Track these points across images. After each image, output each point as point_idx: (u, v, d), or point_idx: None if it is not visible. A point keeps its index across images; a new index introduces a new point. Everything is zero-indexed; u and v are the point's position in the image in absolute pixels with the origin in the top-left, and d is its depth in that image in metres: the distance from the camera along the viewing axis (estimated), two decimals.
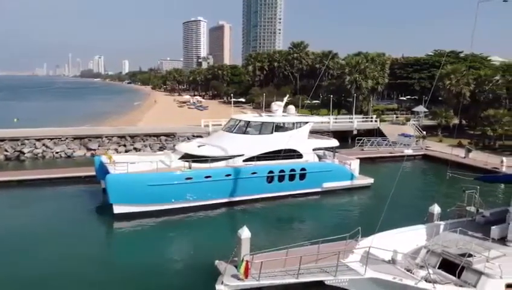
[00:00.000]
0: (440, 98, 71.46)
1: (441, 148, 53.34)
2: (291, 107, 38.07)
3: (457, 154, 46.57)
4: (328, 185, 34.42)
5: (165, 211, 28.08)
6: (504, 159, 41.56)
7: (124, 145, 50.64)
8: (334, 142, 37.59)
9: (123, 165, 28.06)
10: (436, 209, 21.69)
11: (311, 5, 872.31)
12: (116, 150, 49.48)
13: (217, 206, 29.98)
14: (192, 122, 65.10)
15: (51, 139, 48.76)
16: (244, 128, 33.00)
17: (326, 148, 37.18)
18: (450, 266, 16.63)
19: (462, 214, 22.38)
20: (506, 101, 61.61)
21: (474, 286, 15.50)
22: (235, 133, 33.01)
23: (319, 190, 34.26)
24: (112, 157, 30.27)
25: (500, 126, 52.32)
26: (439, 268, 16.93)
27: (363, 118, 70.83)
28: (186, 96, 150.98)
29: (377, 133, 62.10)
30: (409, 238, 19.07)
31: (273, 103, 36.89)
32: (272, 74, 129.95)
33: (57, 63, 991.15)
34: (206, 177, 29.27)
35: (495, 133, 53.20)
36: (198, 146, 32.06)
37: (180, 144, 34.49)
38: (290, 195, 32.68)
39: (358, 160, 38.01)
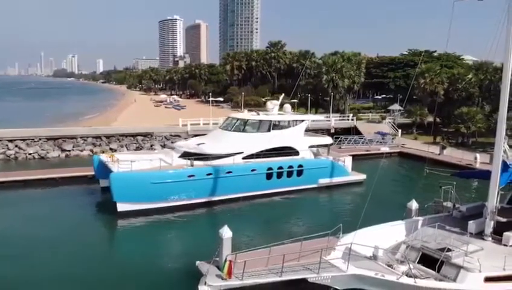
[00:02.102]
0: (415, 97, 72.76)
1: (416, 145, 54.38)
2: (287, 106, 38.66)
3: (432, 151, 47.53)
4: (324, 181, 35.37)
5: (161, 209, 28.28)
6: (478, 155, 42.69)
7: (100, 146, 49.69)
8: (328, 140, 38.76)
9: (126, 163, 28.32)
10: (414, 205, 22.08)
11: (288, 5, 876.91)
12: (91, 150, 48.61)
13: (216, 203, 30.34)
14: (170, 122, 64.48)
15: (24, 140, 47.39)
16: (242, 126, 33.70)
17: (321, 145, 38.03)
18: (430, 261, 16.88)
19: (439, 209, 22.83)
20: (479, 99, 63.06)
21: (454, 280, 15.77)
22: (233, 131, 33.57)
23: (315, 186, 35.06)
24: (113, 156, 30.63)
25: (473, 123, 53.61)
26: (418, 263, 17.17)
27: (340, 116, 71.60)
28: (162, 96, 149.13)
29: (354, 131, 62.83)
30: (388, 234, 19.33)
31: (268, 102, 37.78)
32: (250, 73, 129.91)
33: (29, 62, 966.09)
34: (208, 174, 29.69)
35: (468, 131, 54.49)
36: (198, 144, 32.33)
37: (179, 142, 34.70)
38: (287, 191, 33.36)
39: (351, 157, 38.87)
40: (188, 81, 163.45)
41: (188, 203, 29.31)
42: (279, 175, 32.93)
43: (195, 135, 54.15)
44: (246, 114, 37.73)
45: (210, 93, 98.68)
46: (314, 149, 37.23)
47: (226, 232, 17.41)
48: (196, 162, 30.12)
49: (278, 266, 15.65)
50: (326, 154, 37.75)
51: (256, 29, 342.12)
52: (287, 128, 35.30)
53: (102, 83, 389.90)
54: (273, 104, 36.67)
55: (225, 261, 15.84)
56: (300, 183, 34.07)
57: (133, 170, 28.10)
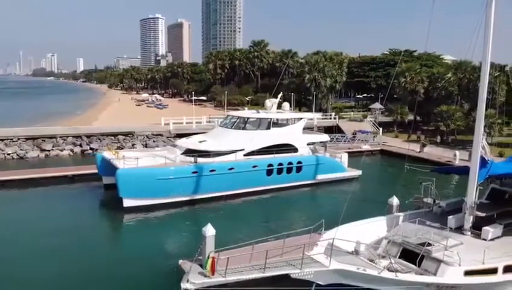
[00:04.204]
0: (395, 96, 73.67)
1: (397, 143, 55.06)
2: (286, 104, 39.44)
3: (412, 149, 48.11)
4: (322, 177, 36.17)
5: (166, 204, 28.90)
6: (457, 152, 43.43)
7: (80, 145, 49.01)
8: (325, 137, 40.03)
9: (132, 160, 29.13)
10: (395, 201, 22.43)
11: (270, 5, 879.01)
12: (71, 150, 47.89)
13: (218, 199, 30.98)
14: (152, 121, 63.98)
15: (2, 140, 46.42)
16: (243, 124, 34.47)
17: (319, 143, 38.96)
18: (411, 255, 17.06)
19: (420, 205, 23.08)
20: (458, 97, 64.12)
21: (434, 274, 15.97)
22: (233, 129, 34.39)
23: (313, 181, 35.87)
24: (118, 153, 31.42)
25: (452, 121, 54.52)
26: (400, 257, 17.34)
27: (322, 115, 72.08)
28: (144, 95, 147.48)
29: (336, 129, 63.34)
30: (370, 230, 19.50)
31: (267, 100, 38.59)
32: (233, 72, 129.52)
33: (8, 61, 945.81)
34: (211, 171, 30.45)
35: (448, 128, 55.39)
36: (200, 142, 32.99)
37: (181, 140, 35.18)
38: (282, 188, 34.11)
39: (347, 154, 39.88)
40: (171, 80, 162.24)
41: (192, 199, 30.05)
42: (279, 171, 33.86)
43: (178, 134, 54.19)
44: (245, 112, 38.63)
45: (193, 92, 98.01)
46: (311, 146, 38.03)
47: (209, 230, 17.36)
48: (199, 159, 30.66)
49: (261, 263, 15.64)
50: (324, 151, 38.65)
51: (239, 28, 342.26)
52: (286, 126, 36.35)
53: (83, 82, 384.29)
54: (271, 102, 37.48)
55: (208, 258, 15.76)
56: (299, 179, 35.01)
57: (139, 167, 28.67)
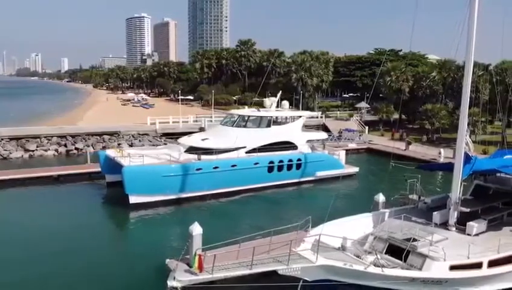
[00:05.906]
0: (381, 95, 74.26)
1: (382, 141, 55.51)
2: (285, 103, 40.36)
3: (398, 147, 48.62)
4: (321, 173, 36.83)
5: (170, 201, 29.55)
6: (442, 150, 43.98)
7: (65, 145, 48.40)
8: (324, 135, 41.09)
9: (137, 157, 29.69)
10: (380, 198, 22.59)
11: (257, 4, 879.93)
12: (56, 150, 47.25)
13: (221, 195, 31.56)
14: (138, 121, 63.48)
15: None
16: (243, 122, 35.11)
17: (317, 140, 39.92)
18: (397, 251, 17.21)
19: (405, 202, 23.30)
20: (442, 96, 64.94)
21: (420, 269, 16.12)
22: (235, 127, 34.89)
23: (312, 178, 36.47)
24: (123, 151, 32.15)
25: (437, 120, 55.20)
26: (386, 253, 17.49)
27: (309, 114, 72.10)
28: (130, 94, 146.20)
29: (323, 128, 63.57)
30: (356, 226, 19.59)
31: (266, 99, 39.39)
32: (220, 71, 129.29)
33: None
34: (214, 168, 31.08)
35: (432, 127, 56.05)
36: (202, 139, 33.46)
37: (183, 138, 35.52)
38: (280, 185, 34.68)
39: (345, 151, 41.01)
40: (157, 80, 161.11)
41: (196, 195, 30.55)
42: (280, 168, 34.41)
43: (164, 134, 53.91)
44: (246, 110, 39.16)
45: (179, 92, 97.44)
46: (310, 144, 38.56)
47: (196, 229, 17.27)
48: (202, 157, 31.20)
49: (248, 260, 15.62)
50: (322, 149, 39.48)
51: (226, 27, 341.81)
52: (286, 124, 37.16)
53: (68, 82, 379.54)
54: (271, 101, 38.19)
55: (195, 255, 15.69)
56: (299, 176, 35.68)
57: (144, 164, 29.19)
